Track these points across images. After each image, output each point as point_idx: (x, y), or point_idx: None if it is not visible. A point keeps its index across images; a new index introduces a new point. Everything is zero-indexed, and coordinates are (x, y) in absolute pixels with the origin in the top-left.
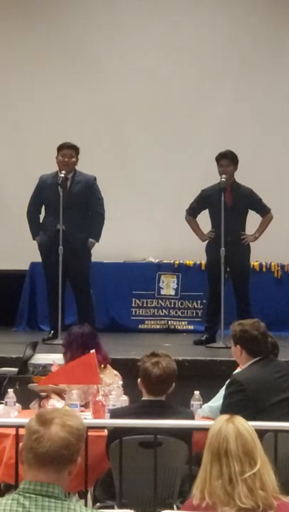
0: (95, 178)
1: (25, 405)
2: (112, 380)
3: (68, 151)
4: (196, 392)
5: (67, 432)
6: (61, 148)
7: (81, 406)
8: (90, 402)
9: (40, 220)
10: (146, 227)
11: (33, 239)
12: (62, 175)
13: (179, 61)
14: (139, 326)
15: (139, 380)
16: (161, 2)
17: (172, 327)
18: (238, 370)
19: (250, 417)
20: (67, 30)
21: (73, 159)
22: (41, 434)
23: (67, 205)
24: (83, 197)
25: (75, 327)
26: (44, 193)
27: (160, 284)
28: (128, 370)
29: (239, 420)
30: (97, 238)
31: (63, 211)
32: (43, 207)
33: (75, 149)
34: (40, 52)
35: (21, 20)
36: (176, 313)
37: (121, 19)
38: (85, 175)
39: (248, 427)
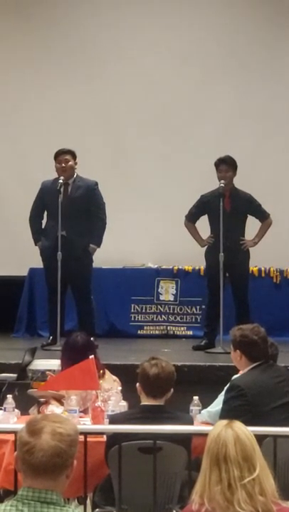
0: (96, 183)
1: (24, 411)
2: (110, 385)
3: (63, 157)
4: (195, 398)
5: (58, 440)
6: (57, 155)
7: (80, 412)
8: (89, 407)
9: (43, 226)
10: (146, 232)
11: (35, 244)
12: (61, 180)
13: (179, 63)
14: (138, 332)
15: (137, 384)
16: (161, 5)
17: (171, 332)
18: (237, 375)
19: (249, 422)
20: (68, 33)
21: (70, 163)
22: (32, 446)
23: (68, 211)
24: (84, 202)
25: (72, 336)
26: (45, 199)
27: (159, 290)
28: (127, 375)
29: (238, 425)
30: (98, 244)
31: (64, 217)
32: (46, 212)
33: (70, 153)
34: (41, 55)
35: (21, 24)
36: (175, 318)
37: (121, 21)
38: (85, 180)
39: (247, 432)
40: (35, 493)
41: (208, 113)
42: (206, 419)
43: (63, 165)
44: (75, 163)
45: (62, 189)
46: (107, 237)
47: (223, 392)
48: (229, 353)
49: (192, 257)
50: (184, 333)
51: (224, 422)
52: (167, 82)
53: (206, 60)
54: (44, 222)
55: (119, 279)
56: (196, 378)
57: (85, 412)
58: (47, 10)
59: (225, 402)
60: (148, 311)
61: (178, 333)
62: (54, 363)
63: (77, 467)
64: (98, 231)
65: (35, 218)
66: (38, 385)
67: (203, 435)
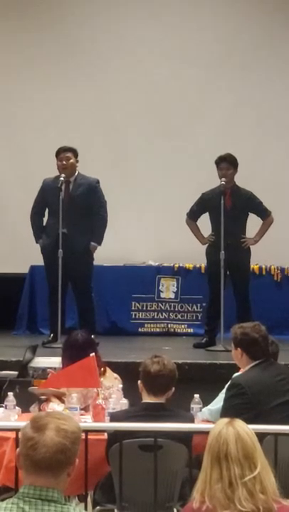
0: (98, 181)
1: (25, 409)
2: (111, 383)
3: (65, 154)
4: (196, 396)
5: (62, 437)
6: (58, 153)
7: (81, 409)
8: (90, 405)
9: (44, 224)
10: (146, 230)
11: (36, 242)
12: (62, 178)
13: (179, 64)
14: (139, 330)
15: (139, 381)
16: (161, 6)
17: (172, 330)
18: (238, 373)
19: (250, 420)
20: (68, 33)
21: (71, 161)
22: (36, 441)
23: (69, 209)
24: (85, 200)
25: (72, 334)
26: (47, 196)
27: (160, 288)
28: (128, 373)
29: (239, 423)
30: (99, 242)
31: (65, 214)
32: (47, 210)
33: (71, 151)
34: (41, 55)
35: (21, 24)
36: (175, 316)
37: (121, 21)
38: (87, 178)
39: (248, 430)
40: (36, 490)
41: (208, 113)
42: (207, 417)
43: (64, 162)
44: (77, 161)
45: (63, 187)
46: (108, 235)
47: (224, 390)
48: (230, 351)
49: (193, 255)
50: (184, 330)
51: (225, 420)
52: (167, 82)
53: (206, 60)
54: (45, 219)
55: (120, 276)
56: (196, 376)
57: (85, 409)
58: (47, 10)
59: (226, 400)
60: (149, 308)
61: (178, 330)
62: (55, 361)
63: (78, 465)
64: (99, 229)
65: (36, 216)
66: (38, 383)
67: (204, 433)
